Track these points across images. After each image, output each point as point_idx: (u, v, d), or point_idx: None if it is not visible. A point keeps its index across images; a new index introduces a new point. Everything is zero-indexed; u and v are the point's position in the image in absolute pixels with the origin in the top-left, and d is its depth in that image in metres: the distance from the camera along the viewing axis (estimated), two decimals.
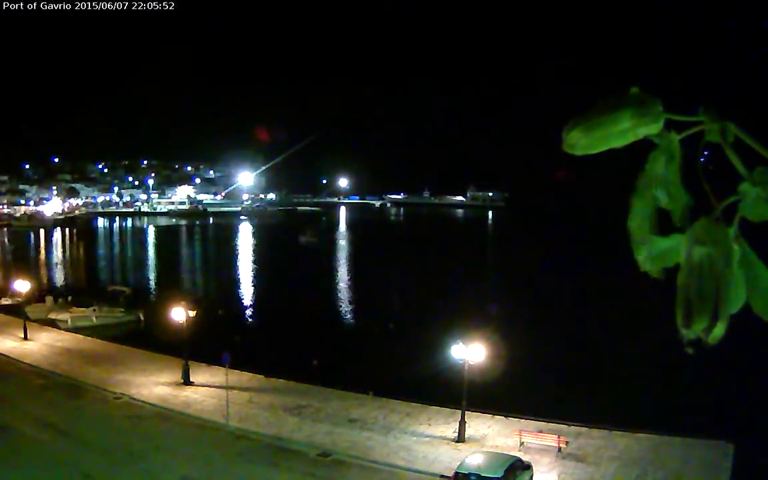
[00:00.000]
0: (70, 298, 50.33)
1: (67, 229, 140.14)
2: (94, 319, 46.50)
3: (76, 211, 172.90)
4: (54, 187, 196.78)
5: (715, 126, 1.17)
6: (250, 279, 76.97)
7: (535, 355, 34.65)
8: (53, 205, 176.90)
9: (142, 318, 48.36)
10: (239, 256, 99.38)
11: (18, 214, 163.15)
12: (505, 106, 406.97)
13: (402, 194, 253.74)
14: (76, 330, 43.70)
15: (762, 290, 1.17)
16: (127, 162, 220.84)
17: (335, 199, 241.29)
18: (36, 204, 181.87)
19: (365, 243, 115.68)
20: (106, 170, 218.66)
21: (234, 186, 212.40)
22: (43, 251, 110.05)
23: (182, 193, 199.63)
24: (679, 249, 1.17)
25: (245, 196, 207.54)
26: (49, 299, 50.31)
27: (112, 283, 52.24)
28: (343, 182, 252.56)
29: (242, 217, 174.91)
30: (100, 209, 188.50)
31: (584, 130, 1.18)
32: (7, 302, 48.50)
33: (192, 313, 32.60)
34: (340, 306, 59.10)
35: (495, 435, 25.78)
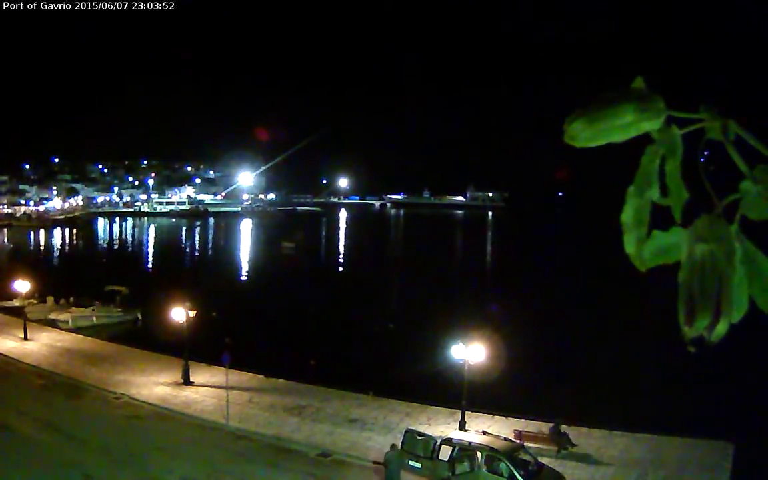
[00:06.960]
0: (72, 299, 50.41)
1: (67, 229, 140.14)
2: (94, 318, 46.88)
3: (76, 212, 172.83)
4: (54, 187, 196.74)
5: (717, 123, 1.16)
6: (250, 279, 76.91)
7: (535, 355, 34.64)
8: (53, 205, 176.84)
9: (140, 317, 48.90)
10: (239, 256, 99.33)
11: (18, 214, 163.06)
12: (506, 106, 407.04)
13: (402, 194, 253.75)
14: (77, 330, 43.89)
15: (765, 285, 1.16)
16: (127, 162, 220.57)
17: (335, 200, 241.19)
18: (36, 204, 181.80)
19: (365, 243, 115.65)
20: (106, 170, 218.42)
21: (234, 186, 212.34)
22: (43, 251, 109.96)
23: (182, 193, 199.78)
24: (680, 245, 1.16)
25: (245, 196, 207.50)
26: (50, 299, 50.27)
27: (112, 283, 52.34)
28: (343, 182, 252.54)
29: (242, 218, 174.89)
30: (100, 209, 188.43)
31: (586, 122, 1.17)
32: (7, 304, 48.37)
33: (192, 313, 32.56)
34: (340, 306, 59.04)
35: None
